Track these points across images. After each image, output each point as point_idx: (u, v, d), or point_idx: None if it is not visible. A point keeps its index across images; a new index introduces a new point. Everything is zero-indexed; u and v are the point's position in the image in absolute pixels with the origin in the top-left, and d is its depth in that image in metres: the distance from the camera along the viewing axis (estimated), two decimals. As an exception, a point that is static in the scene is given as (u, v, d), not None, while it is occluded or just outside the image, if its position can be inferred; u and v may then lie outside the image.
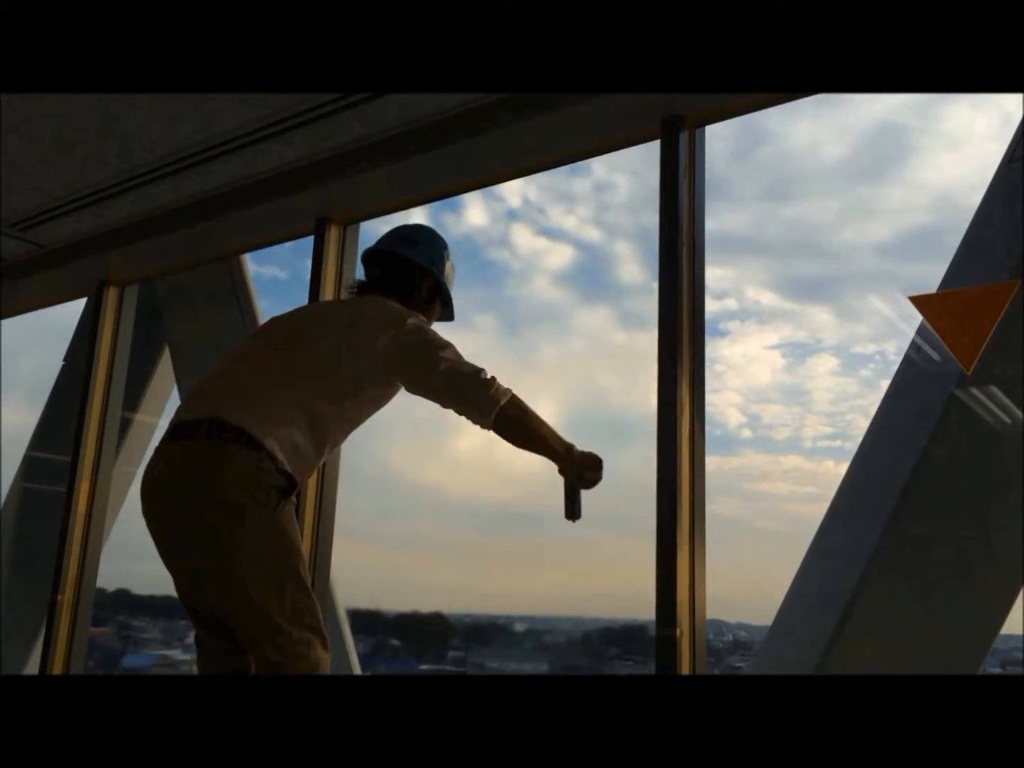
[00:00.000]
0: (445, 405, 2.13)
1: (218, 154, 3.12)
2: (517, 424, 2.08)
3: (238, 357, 2.25)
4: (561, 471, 2.08)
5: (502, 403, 2.05)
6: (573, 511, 2.08)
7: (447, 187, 3.13)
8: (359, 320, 2.17)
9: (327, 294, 3.18)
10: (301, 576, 2.03)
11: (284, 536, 2.04)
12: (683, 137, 2.51)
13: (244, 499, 1.97)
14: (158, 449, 2.11)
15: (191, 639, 2.16)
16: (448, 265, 2.42)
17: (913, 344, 2.93)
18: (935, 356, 2.84)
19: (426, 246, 2.40)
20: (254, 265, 4.93)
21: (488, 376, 2.09)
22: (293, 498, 2.13)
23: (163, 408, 5.51)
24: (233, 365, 2.22)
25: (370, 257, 2.45)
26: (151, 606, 7.65)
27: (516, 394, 2.09)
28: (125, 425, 4.73)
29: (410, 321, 2.16)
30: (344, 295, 2.65)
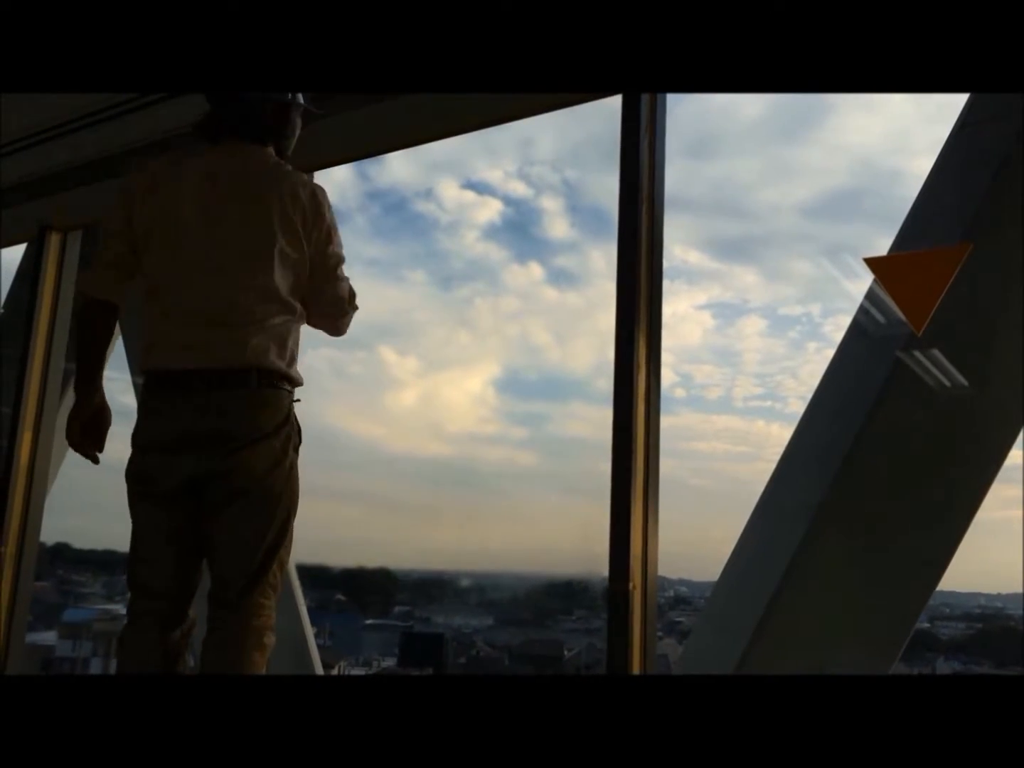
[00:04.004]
0: (337, 318, 2.20)
1: (161, 98, 3.04)
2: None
3: (199, 269, 2.00)
4: None
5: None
6: None
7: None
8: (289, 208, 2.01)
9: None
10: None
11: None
12: (644, 98, 2.50)
13: (292, 452, 1.98)
14: (189, 399, 1.91)
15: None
16: None
17: (861, 307, 2.98)
18: (881, 319, 2.89)
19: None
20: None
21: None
22: None
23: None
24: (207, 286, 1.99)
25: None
26: (92, 560, 7.56)
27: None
28: (68, 376, 4.61)
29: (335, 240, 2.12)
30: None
